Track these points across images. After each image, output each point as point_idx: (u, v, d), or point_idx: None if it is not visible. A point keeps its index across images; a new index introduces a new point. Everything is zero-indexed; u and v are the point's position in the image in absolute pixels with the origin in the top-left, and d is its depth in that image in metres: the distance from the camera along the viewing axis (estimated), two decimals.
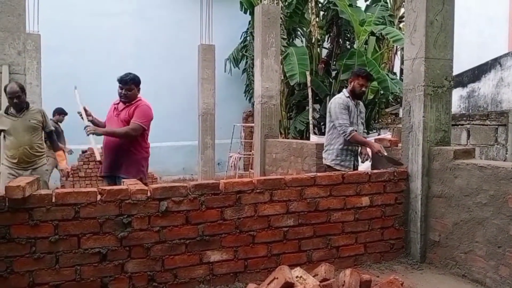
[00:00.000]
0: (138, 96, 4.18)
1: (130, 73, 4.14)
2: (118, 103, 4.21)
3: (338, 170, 4.05)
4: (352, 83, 4.36)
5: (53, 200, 2.59)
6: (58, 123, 7.86)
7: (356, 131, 4.22)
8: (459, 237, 3.34)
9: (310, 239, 3.33)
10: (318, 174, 3.42)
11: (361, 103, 4.56)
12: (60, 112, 7.98)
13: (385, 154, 3.99)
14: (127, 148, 4.03)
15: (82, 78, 10.32)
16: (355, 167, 4.41)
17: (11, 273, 2.52)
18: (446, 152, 3.46)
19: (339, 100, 4.34)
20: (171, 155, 11.01)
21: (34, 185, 2.65)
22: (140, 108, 4.07)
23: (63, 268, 2.63)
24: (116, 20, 10.83)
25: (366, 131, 4.74)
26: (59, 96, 9.63)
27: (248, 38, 11.66)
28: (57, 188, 8.94)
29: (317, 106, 11.05)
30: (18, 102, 4.44)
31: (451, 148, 3.50)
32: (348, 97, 4.36)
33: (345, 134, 4.20)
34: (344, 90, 4.50)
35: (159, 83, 10.98)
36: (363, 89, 4.37)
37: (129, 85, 4.06)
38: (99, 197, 2.70)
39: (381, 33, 9.83)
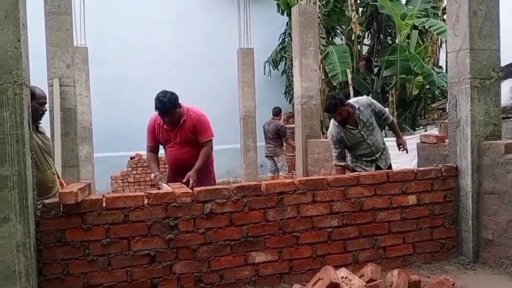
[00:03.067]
0: (183, 106, 3.93)
1: (165, 99, 3.72)
2: (162, 123, 3.98)
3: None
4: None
5: (104, 204, 2.71)
6: None
7: (344, 165, 4.38)
8: None
9: (356, 240, 3.28)
10: (362, 173, 3.36)
11: (362, 106, 4.27)
12: None
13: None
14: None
15: (128, 87, 10.78)
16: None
17: (67, 275, 2.66)
18: (496, 146, 3.31)
19: (329, 135, 4.44)
20: (215, 158, 11.13)
21: (85, 190, 2.78)
22: (200, 122, 3.93)
23: (115, 270, 2.74)
24: (158, 29, 11.20)
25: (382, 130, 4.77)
26: (107, 105, 10.10)
27: (286, 39, 11.67)
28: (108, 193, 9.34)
29: None
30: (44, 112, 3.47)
31: (502, 142, 3.34)
32: (338, 125, 4.29)
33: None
34: (333, 120, 4.41)
35: (201, 89, 11.23)
36: (339, 118, 4.21)
37: (173, 111, 3.80)
38: (146, 201, 2.80)
39: (423, 26, 9.54)
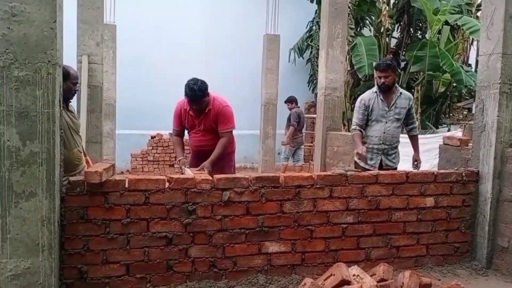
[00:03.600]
0: (210, 95, 3.97)
1: (195, 87, 3.77)
2: (189, 109, 4.03)
3: (363, 168, 4.03)
4: (375, 78, 4.27)
5: (126, 185, 2.79)
6: None
7: (361, 131, 4.22)
8: None
9: (370, 237, 3.30)
10: (381, 172, 3.36)
11: (404, 95, 4.26)
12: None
13: (362, 163, 4.08)
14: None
15: (153, 68, 10.87)
16: (384, 166, 4.23)
17: (87, 251, 2.76)
18: None
19: (359, 99, 4.32)
20: None
21: (110, 170, 2.87)
22: (223, 113, 3.98)
23: (133, 249, 2.83)
24: (185, 13, 11.20)
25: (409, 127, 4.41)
26: (133, 83, 10.23)
27: (314, 27, 11.54)
28: (127, 170, 9.53)
29: None
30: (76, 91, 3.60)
31: None
32: (376, 92, 4.22)
33: (351, 130, 4.29)
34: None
35: (225, 74, 11.25)
36: (383, 80, 4.14)
37: (202, 100, 3.86)
38: (167, 184, 2.87)
39: (456, 23, 9.29)
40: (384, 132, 4.22)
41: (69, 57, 6.53)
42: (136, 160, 9.43)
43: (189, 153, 4.69)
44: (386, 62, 4.22)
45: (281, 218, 3.09)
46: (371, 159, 4.22)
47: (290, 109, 9.30)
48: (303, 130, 10.05)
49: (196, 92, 3.77)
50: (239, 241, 3.02)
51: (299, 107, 9.60)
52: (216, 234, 2.97)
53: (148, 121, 10.22)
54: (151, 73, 10.81)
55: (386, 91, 4.19)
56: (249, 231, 3.03)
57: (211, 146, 4.00)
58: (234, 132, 4.25)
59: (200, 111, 3.96)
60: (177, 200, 2.87)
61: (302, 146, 9.72)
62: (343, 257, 3.24)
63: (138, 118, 10.29)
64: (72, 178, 2.74)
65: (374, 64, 4.52)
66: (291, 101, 9.34)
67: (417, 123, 4.58)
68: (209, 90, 3.96)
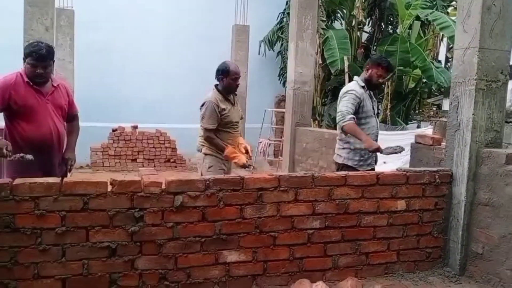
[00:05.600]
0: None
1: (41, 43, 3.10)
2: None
3: (352, 168, 3.73)
4: (369, 71, 3.84)
5: (61, 189, 2.42)
6: None
7: (353, 119, 3.63)
8: (506, 252, 2.97)
9: (337, 244, 3.05)
10: (350, 173, 3.10)
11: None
12: None
13: (380, 150, 3.60)
14: None
15: (115, 57, 10.33)
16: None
17: (16, 264, 2.38)
18: (497, 155, 3.07)
19: (352, 91, 3.77)
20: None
21: None
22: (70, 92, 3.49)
23: (70, 262, 2.47)
24: None
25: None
26: (92, 72, 9.67)
27: (284, 19, 11.25)
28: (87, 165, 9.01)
29: None
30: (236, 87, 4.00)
31: (504, 151, 3.09)
32: (363, 86, 3.83)
33: (343, 120, 3.63)
34: (357, 78, 3.96)
35: (190, 64, 10.83)
36: (381, 80, 3.88)
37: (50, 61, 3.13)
38: (110, 188, 2.52)
39: (427, 19, 9.19)
40: (377, 128, 3.95)
41: (16, 44, 6.02)
42: (96, 154, 8.92)
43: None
44: (392, 64, 3.92)
45: (241, 224, 2.79)
46: (366, 159, 3.84)
47: None
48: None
49: (44, 48, 3.04)
50: (194, 250, 2.70)
51: None
52: (167, 243, 2.64)
53: (108, 113, 9.70)
54: (112, 62, 10.26)
55: (374, 89, 3.94)
56: (205, 239, 2.72)
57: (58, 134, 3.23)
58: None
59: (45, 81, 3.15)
60: (122, 205, 2.52)
61: None
62: (309, 265, 2.98)
63: (98, 109, 9.73)
64: None
65: (378, 57, 4.05)
66: None
67: None
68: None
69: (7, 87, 3.01)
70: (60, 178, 2.47)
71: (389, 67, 3.90)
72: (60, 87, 3.29)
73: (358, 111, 3.76)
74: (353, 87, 3.84)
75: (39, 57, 3.01)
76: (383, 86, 10.18)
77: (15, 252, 2.38)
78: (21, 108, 3.04)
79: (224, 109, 3.85)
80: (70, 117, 3.43)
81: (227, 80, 3.91)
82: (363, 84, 3.85)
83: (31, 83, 3.07)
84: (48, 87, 3.17)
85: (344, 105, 3.71)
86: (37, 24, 5.12)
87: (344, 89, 3.90)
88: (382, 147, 3.64)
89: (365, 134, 3.67)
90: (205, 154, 3.94)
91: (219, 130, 3.88)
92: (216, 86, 3.98)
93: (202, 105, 3.90)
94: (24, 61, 3.07)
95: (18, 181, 2.36)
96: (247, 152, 3.95)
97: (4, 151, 2.77)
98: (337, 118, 3.79)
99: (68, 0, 8.10)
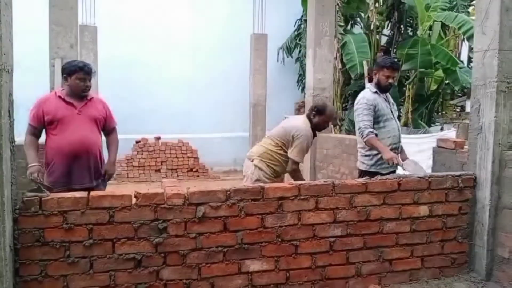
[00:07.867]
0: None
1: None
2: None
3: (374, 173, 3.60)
4: (377, 76, 3.81)
5: (88, 203, 2.51)
6: None
7: (376, 134, 3.63)
8: None
9: (360, 251, 3.04)
10: (371, 180, 3.10)
11: (388, 95, 3.96)
12: None
13: (400, 164, 3.55)
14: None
15: (138, 69, 10.56)
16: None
17: (46, 277, 2.47)
18: None
19: (363, 100, 3.75)
20: (223, 146, 10.95)
21: None
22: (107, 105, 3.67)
23: (97, 273, 2.55)
24: (171, 12, 10.89)
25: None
26: (116, 86, 9.91)
27: (302, 26, 11.28)
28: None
29: None
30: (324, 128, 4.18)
31: None
32: (376, 92, 3.79)
33: (362, 135, 3.64)
34: (369, 85, 3.94)
35: (212, 74, 10.96)
36: (390, 81, 3.78)
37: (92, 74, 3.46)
38: (134, 200, 2.59)
39: (445, 21, 9.03)
40: (398, 130, 3.87)
41: (42, 62, 6.22)
42: (121, 166, 9.10)
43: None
44: (396, 61, 3.85)
45: (262, 233, 2.82)
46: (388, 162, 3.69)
47: None
48: None
49: (87, 64, 3.45)
50: (217, 260, 2.75)
51: None
52: (191, 254, 2.69)
53: (132, 125, 9.90)
54: (136, 75, 10.49)
55: (386, 91, 3.88)
56: (228, 249, 2.76)
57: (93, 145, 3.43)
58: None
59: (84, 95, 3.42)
60: (146, 217, 2.59)
61: None
62: (332, 273, 2.98)
63: (122, 122, 9.92)
64: (26, 197, 2.45)
65: (380, 60, 4.01)
66: None
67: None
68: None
69: (40, 105, 3.32)
70: (86, 193, 2.56)
71: (393, 65, 3.82)
72: (94, 100, 3.51)
73: (374, 116, 3.73)
74: (363, 95, 3.82)
75: (88, 71, 3.37)
76: (404, 89, 10.08)
77: (45, 265, 2.48)
78: (53, 120, 3.30)
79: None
80: (108, 130, 3.68)
81: (320, 119, 3.96)
82: (375, 90, 3.81)
83: (62, 97, 3.34)
84: (80, 99, 3.40)
85: (360, 120, 3.71)
86: (62, 42, 5.31)
87: (356, 100, 3.89)
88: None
89: (386, 147, 3.64)
90: (256, 166, 3.97)
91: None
92: (308, 117, 4.00)
93: (289, 125, 3.98)
94: (66, 79, 3.35)
95: (46, 197, 2.46)
96: None
97: (35, 175, 3.07)
98: (356, 134, 3.82)
99: (91, 17, 8.33)
